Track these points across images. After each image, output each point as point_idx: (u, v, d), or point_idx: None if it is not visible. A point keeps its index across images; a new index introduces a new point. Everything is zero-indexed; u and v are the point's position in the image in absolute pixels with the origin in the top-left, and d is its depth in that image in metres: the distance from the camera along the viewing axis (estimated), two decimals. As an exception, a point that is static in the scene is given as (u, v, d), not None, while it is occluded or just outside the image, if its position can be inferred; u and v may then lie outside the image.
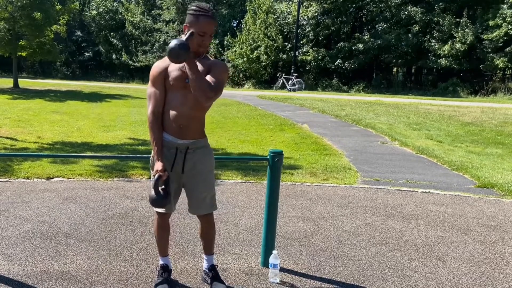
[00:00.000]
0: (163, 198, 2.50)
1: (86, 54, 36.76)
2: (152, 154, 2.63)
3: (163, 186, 2.53)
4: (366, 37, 23.30)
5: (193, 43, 2.40)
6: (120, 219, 3.97)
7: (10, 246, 3.32)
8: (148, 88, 2.57)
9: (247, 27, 26.44)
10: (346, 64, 23.71)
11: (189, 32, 2.39)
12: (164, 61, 2.54)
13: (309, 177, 5.74)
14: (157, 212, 2.72)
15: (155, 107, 2.52)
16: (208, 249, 2.88)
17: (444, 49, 21.31)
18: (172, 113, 2.52)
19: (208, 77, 2.42)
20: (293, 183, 5.43)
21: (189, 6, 2.48)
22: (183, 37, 2.37)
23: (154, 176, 2.51)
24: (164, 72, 2.51)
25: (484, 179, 5.80)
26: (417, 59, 23.28)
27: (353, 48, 23.32)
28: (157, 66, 2.54)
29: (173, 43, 2.29)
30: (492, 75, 22.94)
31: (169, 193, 2.53)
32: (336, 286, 2.92)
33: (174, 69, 2.49)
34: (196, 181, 2.63)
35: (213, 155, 2.74)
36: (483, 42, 20.64)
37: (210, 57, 2.59)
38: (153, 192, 2.48)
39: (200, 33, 2.39)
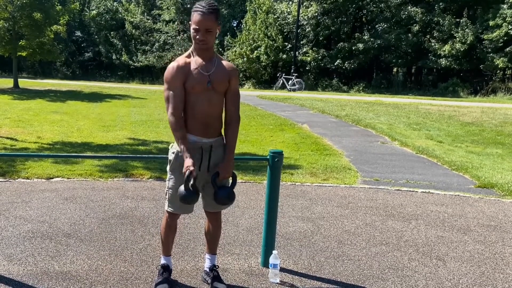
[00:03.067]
0: (192, 194, 2.52)
1: (86, 54, 36.79)
2: (172, 155, 2.64)
3: (191, 183, 2.54)
4: (366, 37, 23.30)
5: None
6: (120, 219, 3.97)
7: (10, 246, 3.32)
8: (165, 91, 2.54)
9: (247, 27, 26.46)
10: (346, 64, 23.71)
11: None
12: (179, 62, 2.53)
13: (309, 177, 5.74)
14: (168, 211, 2.70)
15: (175, 109, 2.51)
16: (212, 248, 2.90)
17: (444, 49, 21.32)
18: (198, 114, 2.54)
19: (233, 107, 2.64)
20: (293, 183, 5.43)
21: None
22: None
23: (184, 172, 2.48)
24: (182, 74, 2.50)
25: (484, 179, 5.80)
26: (417, 59, 23.29)
27: (353, 48, 23.33)
28: (175, 67, 2.51)
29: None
30: (492, 75, 22.94)
31: (198, 189, 2.57)
32: (336, 286, 2.92)
33: (194, 73, 2.51)
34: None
35: None
36: (483, 42, 20.64)
37: (219, 56, 2.65)
38: (182, 189, 2.49)
39: (193, 28, 2.46)
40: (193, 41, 2.52)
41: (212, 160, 2.63)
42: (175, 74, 2.50)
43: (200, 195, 2.72)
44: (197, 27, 2.44)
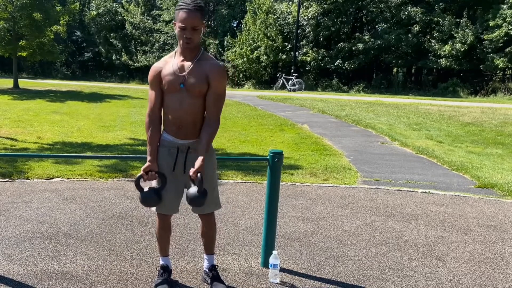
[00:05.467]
0: (148, 196, 2.54)
1: (86, 54, 36.83)
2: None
3: (153, 185, 2.54)
4: (366, 37, 23.31)
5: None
6: (120, 219, 3.97)
7: (10, 246, 3.32)
8: (148, 90, 2.62)
9: (247, 28, 26.46)
10: (346, 64, 23.71)
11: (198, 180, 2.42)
12: (160, 63, 2.57)
13: (309, 177, 5.74)
14: (157, 213, 2.72)
15: (150, 109, 2.58)
16: (209, 249, 2.89)
17: (444, 49, 21.31)
18: (170, 115, 2.55)
19: (211, 108, 2.50)
20: (293, 183, 5.43)
21: None
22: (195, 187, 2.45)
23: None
24: (158, 75, 2.54)
25: (484, 179, 5.79)
26: (417, 59, 23.29)
27: (353, 48, 23.33)
28: (153, 68, 2.57)
29: (192, 195, 2.44)
30: (492, 75, 22.93)
31: (157, 192, 2.55)
32: (336, 286, 2.92)
33: (168, 73, 2.51)
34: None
35: (215, 155, 2.74)
36: (483, 42, 20.63)
37: (208, 55, 2.60)
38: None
39: (180, 27, 2.41)
40: (178, 40, 2.47)
41: (188, 162, 2.59)
42: (152, 76, 2.55)
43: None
44: (183, 25, 2.39)
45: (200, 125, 2.59)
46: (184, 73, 2.49)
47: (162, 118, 2.62)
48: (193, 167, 2.50)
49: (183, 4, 2.40)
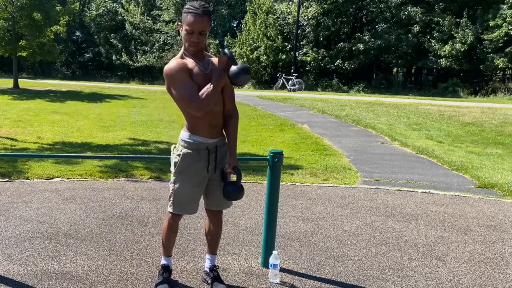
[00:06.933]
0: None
1: (86, 54, 36.86)
2: (178, 158, 2.60)
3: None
4: (366, 38, 23.32)
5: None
6: (120, 219, 3.97)
7: (10, 246, 3.32)
8: (176, 90, 2.43)
9: (247, 28, 26.47)
10: (346, 65, 23.72)
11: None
12: (179, 62, 2.46)
13: (309, 177, 5.74)
14: (171, 212, 2.68)
15: (197, 96, 2.41)
16: (213, 248, 2.90)
17: (444, 49, 21.32)
18: (205, 113, 2.48)
19: (231, 101, 2.62)
20: (293, 183, 5.43)
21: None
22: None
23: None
24: (188, 70, 2.45)
25: (484, 179, 5.79)
26: (417, 59, 23.29)
27: (353, 48, 23.33)
28: (177, 64, 2.44)
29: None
30: (492, 75, 22.94)
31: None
32: (336, 286, 2.92)
33: (195, 72, 2.46)
34: (219, 177, 2.66)
35: None
36: (483, 42, 20.64)
37: (210, 55, 2.62)
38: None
39: (188, 30, 2.41)
40: (184, 43, 2.47)
41: (217, 160, 2.64)
42: (180, 70, 2.42)
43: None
44: (191, 29, 2.39)
45: (223, 122, 2.65)
46: (208, 70, 2.50)
47: (188, 121, 2.57)
48: (220, 163, 2.63)
49: (192, 8, 2.38)
